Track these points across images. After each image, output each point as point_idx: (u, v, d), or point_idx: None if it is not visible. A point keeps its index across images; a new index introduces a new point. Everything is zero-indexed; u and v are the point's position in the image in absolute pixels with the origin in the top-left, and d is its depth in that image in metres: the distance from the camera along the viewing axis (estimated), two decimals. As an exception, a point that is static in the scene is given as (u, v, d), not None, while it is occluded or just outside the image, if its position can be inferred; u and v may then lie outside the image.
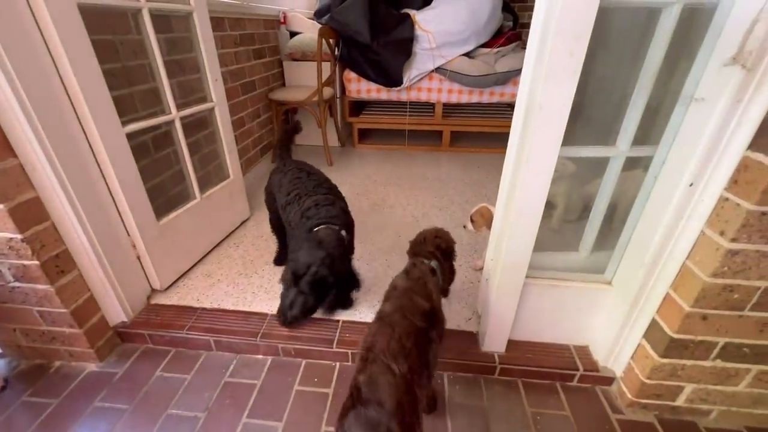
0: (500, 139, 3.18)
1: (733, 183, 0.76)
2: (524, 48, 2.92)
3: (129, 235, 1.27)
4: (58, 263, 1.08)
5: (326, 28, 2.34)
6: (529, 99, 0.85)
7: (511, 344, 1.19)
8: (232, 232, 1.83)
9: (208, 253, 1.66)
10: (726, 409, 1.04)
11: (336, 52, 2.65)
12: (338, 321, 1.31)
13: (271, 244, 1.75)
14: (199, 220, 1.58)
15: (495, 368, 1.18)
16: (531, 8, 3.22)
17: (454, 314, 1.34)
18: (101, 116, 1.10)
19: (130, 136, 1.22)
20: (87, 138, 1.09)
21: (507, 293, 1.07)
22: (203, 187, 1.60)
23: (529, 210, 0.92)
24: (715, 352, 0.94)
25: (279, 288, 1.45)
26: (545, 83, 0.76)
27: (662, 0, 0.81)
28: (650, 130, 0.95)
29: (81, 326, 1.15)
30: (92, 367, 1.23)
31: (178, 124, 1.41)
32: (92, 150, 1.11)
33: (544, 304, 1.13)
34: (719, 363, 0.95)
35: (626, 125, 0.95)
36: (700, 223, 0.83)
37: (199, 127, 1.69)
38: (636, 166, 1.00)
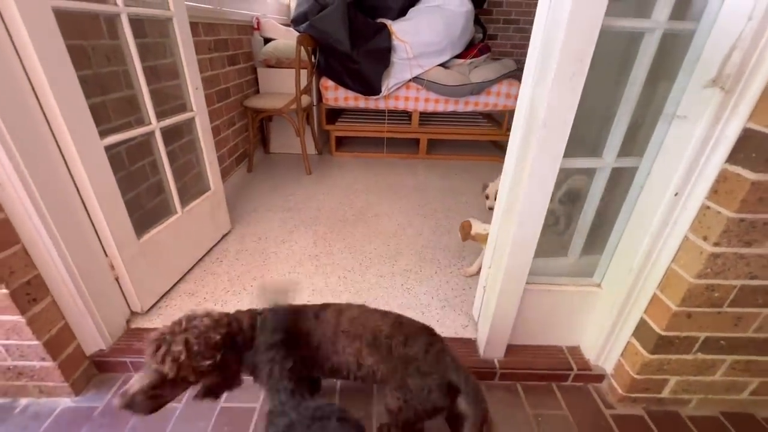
0: (475, 147, 3.30)
1: (714, 192, 0.84)
2: (495, 59, 3.07)
3: (107, 255, 1.17)
4: (30, 290, 0.97)
5: (305, 36, 2.32)
6: (530, 116, 0.89)
7: (509, 349, 1.23)
8: (214, 246, 1.75)
9: (189, 271, 1.57)
10: (704, 397, 1.14)
11: (314, 60, 2.62)
12: (337, 335, 1.28)
13: (257, 258, 1.69)
14: (181, 236, 1.49)
15: (495, 374, 1.21)
16: (496, 21, 3.39)
17: (451, 322, 1.36)
18: (78, 128, 1.01)
19: (108, 149, 1.13)
20: (61, 151, 1.00)
21: (508, 300, 1.10)
22: (184, 201, 1.52)
23: (530, 220, 0.96)
24: (697, 346, 1.02)
25: (271, 304, 1.40)
26: (548, 102, 0.80)
27: (644, 26, 0.88)
28: (634, 144, 1.02)
29: (55, 358, 1.05)
30: (67, 402, 1.11)
31: (158, 135, 1.33)
32: (67, 164, 1.02)
33: (540, 308, 1.18)
34: (700, 356, 1.04)
35: (612, 139, 1.02)
36: (684, 229, 0.91)
37: (176, 136, 1.61)
38: (620, 176, 1.08)
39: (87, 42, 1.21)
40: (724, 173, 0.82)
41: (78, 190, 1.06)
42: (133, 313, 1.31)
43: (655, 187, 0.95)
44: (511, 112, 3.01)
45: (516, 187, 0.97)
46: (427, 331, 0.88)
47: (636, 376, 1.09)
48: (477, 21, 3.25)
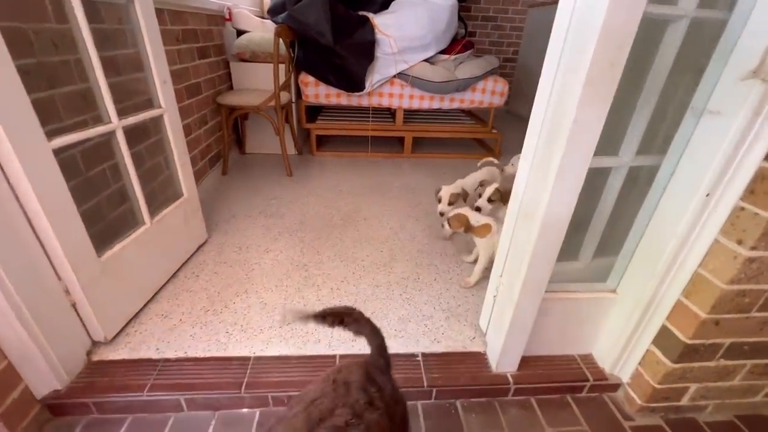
0: (459, 145, 3.24)
1: (750, 193, 0.79)
2: (478, 56, 3.01)
3: (60, 278, 0.99)
4: (-42, 329, 0.79)
5: (283, 28, 2.15)
6: (556, 112, 0.80)
7: (522, 361, 1.15)
8: (189, 259, 1.57)
9: (162, 288, 1.39)
10: (720, 402, 1.10)
11: (292, 54, 2.46)
12: (335, 356, 1.16)
13: (239, 270, 1.53)
14: (151, 250, 1.31)
15: (509, 390, 1.13)
16: (475, 17, 3.35)
17: (456, 334, 1.27)
18: (18, 127, 0.83)
19: (58, 152, 0.95)
20: (-4, 157, 0.82)
21: (525, 312, 1.02)
22: (153, 209, 1.34)
23: (555, 226, 0.87)
24: (721, 352, 0.98)
25: (258, 323, 1.26)
26: (582, 95, 0.72)
27: (670, 13, 0.82)
28: (654, 141, 0.96)
29: (-5, 408, 0.86)
30: (13, 457, 0.93)
31: (120, 135, 1.15)
32: (4, 172, 0.84)
33: (555, 317, 1.10)
34: (722, 362, 1.00)
35: (630, 135, 0.96)
36: (713, 231, 0.85)
37: (142, 136, 1.42)
38: (638, 176, 1.02)
39: (27, 25, 1.01)
40: (762, 172, 0.76)
41: (20, 203, 0.88)
42: (96, 344, 1.13)
43: (682, 188, 0.89)
44: (497, 110, 2.99)
45: (537, 191, 0.88)
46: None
47: (657, 386, 1.03)
48: (458, 17, 3.18)
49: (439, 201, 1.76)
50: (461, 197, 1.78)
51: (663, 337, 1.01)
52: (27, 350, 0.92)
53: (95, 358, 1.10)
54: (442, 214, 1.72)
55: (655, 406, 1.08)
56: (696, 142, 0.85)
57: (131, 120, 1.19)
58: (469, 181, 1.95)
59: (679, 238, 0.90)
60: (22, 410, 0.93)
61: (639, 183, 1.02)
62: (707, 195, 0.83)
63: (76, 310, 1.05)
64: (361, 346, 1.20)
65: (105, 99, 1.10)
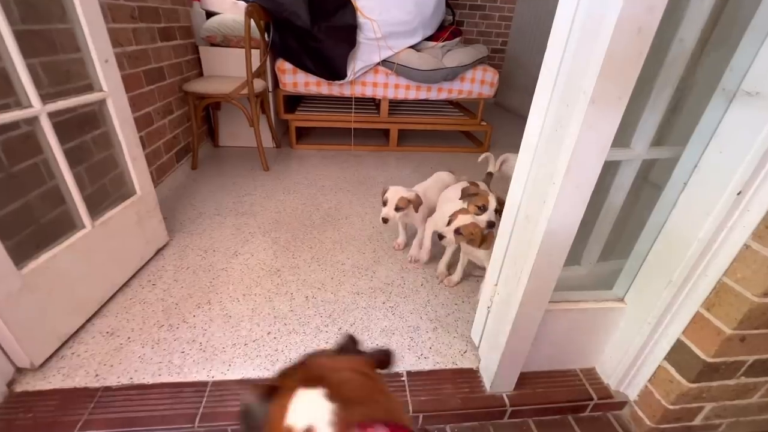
0: (446, 138, 3.10)
1: (791, 190, 0.66)
2: (467, 44, 2.86)
3: (-35, 297, 0.81)
4: None
5: (255, 7, 1.96)
6: (566, 92, 0.66)
7: (519, 379, 1.02)
8: (144, 266, 1.39)
9: (109, 301, 1.21)
10: (735, 420, 1.00)
11: (267, 38, 2.26)
12: (307, 379, 1.01)
13: (202, 278, 1.36)
14: (92, 257, 1.13)
15: (505, 412, 1.00)
16: (462, 6, 3.18)
17: (446, 348, 1.13)
18: None
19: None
20: None
21: (525, 326, 0.89)
22: (96, 211, 1.15)
23: (562, 228, 0.74)
24: (743, 370, 0.86)
25: (221, 341, 1.10)
26: (601, 70, 0.58)
27: (698, -24, 0.68)
28: (673, 130, 0.83)
29: None
30: None
31: (45, 123, 0.96)
32: None
33: (557, 330, 0.98)
34: (743, 380, 0.89)
35: (645, 123, 0.83)
36: (743, 235, 0.73)
37: (84, 126, 1.23)
38: (652, 170, 0.89)
39: None
40: (808, 166, 0.64)
41: None
42: (20, 371, 0.95)
43: (706, 184, 0.76)
44: (486, 101, 2.85)
45: (541, 189, 0.75)
46: None
47: (670, 407, 0.92)
48: (446, 3, 3.02)
49: (385, 204, 1.39)
50: (412, 205, 1.40)
51: (678, 353, 0.89)
52: None
53: (18, 388, 0.93)
54: (386, 220, 1.37)
55: (665, 427, 0.97)
56: (726, 130, 0.72)
57: (60, 105, 1.00)
58: (422, 188, 1.57)
59: (702, 242, 0.78)
60: None
61: (652, 178, 0.90)
62: (738, 193, 0.71)
63: (-9, 334, 0.87)
64: (337, 366, 1.05)
65: (22, 79, 0.91)
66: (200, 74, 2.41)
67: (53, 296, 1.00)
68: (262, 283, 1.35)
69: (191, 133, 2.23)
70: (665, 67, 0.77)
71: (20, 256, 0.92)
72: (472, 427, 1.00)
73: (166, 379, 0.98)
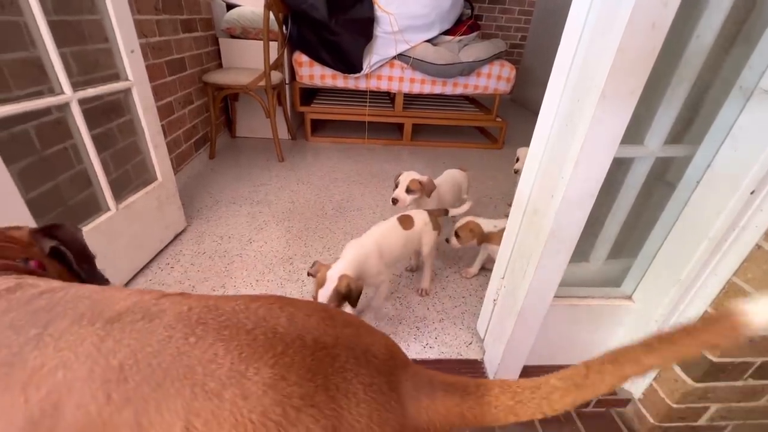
0: (460, 134, 3.09)
1: (806, 191, 0.66)
2: (484, 38, 2.84)
3: (1, 270, 0.87)
4: None
5: (274, 0, 1.98)
6: (577, 86, 0.66)
7: (523, 372, 1.03)
8: (163, 249, 1.45)
9: (130, 281, 1.27)
10: (741, 422, 0.99)
11: (285, 30, 2.29)
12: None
13: (218, 263, 1.41)
14: (116, 239, 1.19)
15: (508, 403, 1.01)
16: (481, 0, 3.13)
17: (452, 339, 1.16)
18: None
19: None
20: None
21: (529, 319, 0.90)
22: (120, 195, 1.21)
23: (569, 223, 0.75)
24: (750, 371, 0.86)
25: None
26: (613, 65, 0.58)
27: (719, -29, 0.67)
28: (687, 128, 0.83)
29: None
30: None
31: (76, 109, 1.02)
32: None
33: (563, 324, 0.99)
34: (750, 381, 0.88)
35: (659, 120, 0.82)
36: (756, 235, 0.72)
37: (110, 113, 1.28)
38: (665, 168, 0.89)
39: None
40: (824, 166, 0.63)
41: (-55, 183, 0.75)
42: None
43: (720, 182, 0.76)
44: (501, 97, 2.83)
45: (549, 183, 0.75)
46: None
47: (674, 406, 0.92)
48: (465, -4, 2.99)
49: (397, 186, 1.40)
50: (424, 193, 1.39)
51: (684, 352, 0.89)
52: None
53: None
54: (395, 201, 1.37)
55: (668, 426, 0.97)
56: (742, 129, 0.72)
57: (90, 92, 1.06)
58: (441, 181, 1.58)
59: (713, 241, 0.77)
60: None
61: (666, 177, 0.89)
62: (752, 192, 0.70)
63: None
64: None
65: (56, 67, 0.96)
66: (219, 65, 2.46)
67: (80, 274, 1.06)
68: (274, 270, 1.39)
69: (210, 123, 2.29)
70: (682, 63, 0.77)
71: (51, 234, 0.98)
72: (475, 416, 1.02)
73: (182, 356, 1.03)
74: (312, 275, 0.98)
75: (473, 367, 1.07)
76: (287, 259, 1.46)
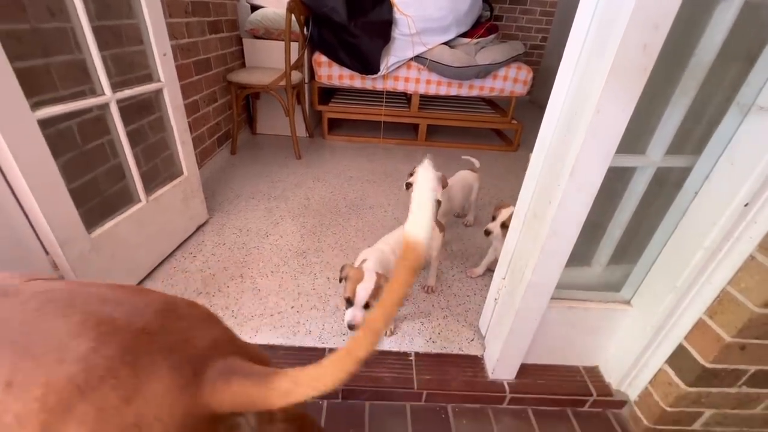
0: (476, 136, 3.11)
1: (798, 205, 0.68)
2: (503, 40, 2.84)
3: (48, 253, 0.97)
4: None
5: (296, 2, 2.06)
6: (575, 100, 0.70)
7: (521, 369, 1.08)
8: (187, 240, 1.55)
9: (157, 268, 1.37)
10: (738, 430, 1.01)
11: (306, 32, 2.37)
12: (324, 350, 1.12)
13: (237, 254, 1.50)
14: (146, 228, 1.29)
15: (504, 398, 1.06)
16: (502, 0, 3.11)
17: (455, 336, 1.21)
18: (-2, 96, 0.80)
19: (46, 124, 0.92)
20: (-23, 125, 0.79)
21: (526, 318, 0.94)
22: (150, 187, 1.31)
23: (565, 229, 0.79)
24: (744, 379, 0.88)
25: (250, 310, 1.23)
26: (606, 82, 0.62)
27: (722, -10, 0.70)
28: (688, 140, 0.85)
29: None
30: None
31: (114, 108, 1.11)
32: (-15, 142, 0.81)
33: (560, 325, 1.02)
34: (744, 389, 0.90)
35: (661, 131, 0.85)
36: (750, 246, 0.75)
37: (142, 111, 1.38)
38: (666, 177, 0.91)
39: (21, -11, 0.97)
40: (816, 182, 0.65)
41: (4, 176, 0.85)
42: (85, 320, 1.12)
43: (716, 194, 0.78)
44: (518, 99, 2.83)
45: (548, 189, 0.80)
46: None
47: (667, 409, 0.95)
48: (484, -2, 3.00)
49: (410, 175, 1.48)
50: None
51: (679, 358, 0.91)
52: (12, 324, 0.90)
53: (84, 334, 1.09)
54: (408, 185, 1.44)
55: (663, 428, 1.00)
56: (738, 143, 0.74)
57: (127, 93, 1.15)
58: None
59: (708, 251, 0.80)
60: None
61: (666, 186, 0.92)
62: (746, 204, 0.73)
63: (65, 286, 1.04)
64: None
65: (98, 70, 1.05)
66: (242, 65, 2.56)
67: (114, 259, 1.16)
68: (289, 263, 1.47)
69: (232, 120, 2.39)
70: (684, 77, 0.79)
71: (89, 222, 1.08)
72: (473, 409, 1.07)
73: (202, 338, 1.12)
74: (344, 279, 1.00)
75: (473, 363, 1.12)
76: (301, 253, 1.54)
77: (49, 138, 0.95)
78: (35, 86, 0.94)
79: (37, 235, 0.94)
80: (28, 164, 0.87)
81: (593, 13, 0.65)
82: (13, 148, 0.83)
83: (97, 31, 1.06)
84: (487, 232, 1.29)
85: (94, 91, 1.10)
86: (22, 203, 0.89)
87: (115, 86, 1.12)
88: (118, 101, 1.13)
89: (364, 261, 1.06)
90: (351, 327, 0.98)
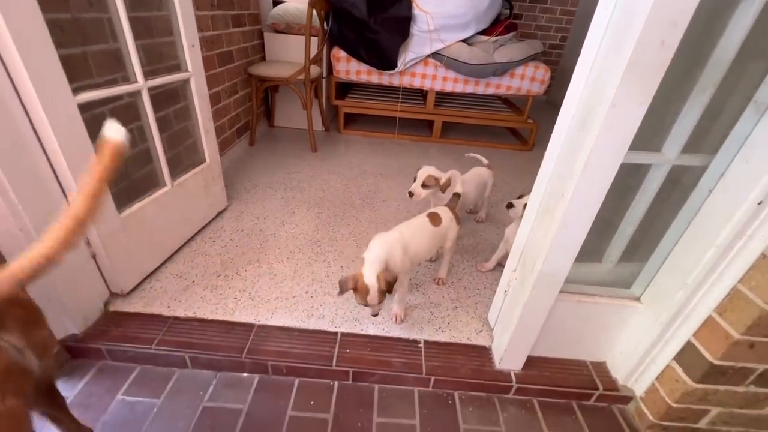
0: (491, 134, 3.10)
1: (812, 204, 0.68)
2: (522, 39, 2.83)
3: (82, 230, 1.03)
4: (-15, 267, 0.83)
5: (318, -2, 2.10)
6: (592, 94, 0.72)
7: (528, 361, 1.10)
8: (207, 224, 1.61)
9: (178, 250, 1.43)
10: (744, 430, 1.01)
11: (326, 27, 2.41)
12: (336, 333, 1.16)
13: (254, 240, 1.55)
14: (169, 212, 1.35)
15: (511, 388, 1.08)
16: None
17: (463, 325, 1.23)
18: (44, 80, 0.85)
19: (83, 108, 0.98)
20: (24, 107, 0.84)
21: (535, 310, 0.96)
22: (175, 173, 1.37)
23: (576, 222, 0.81)
24: (752, 378, 0.88)
25: (266, 293, 1.27)
26: (623, 77, 0.64)
27: (743, -10, 0.70)
28: (703, 139, 0.86)
29: (17, 344, 0.92)
30: (33, 390, 1.00)
31: (145, 96, 1.17)
32: (32, 123, 0.87)
33: (568, 319, 1.04)
34: (752, 388, 0.91)
35: (677, 130, 0.86)
36: (761, 245, 0.75)
37: (169, 100, 1.44)
38: (680, 176, 0.92)
39: (63, -20, 1.03)
40: (831, 181, 0.66)
41: (46, 154, 0.91)
42: (113, 295, 1.19)
43: (730, 192, 0.79)
44: (535, 99, 2.82)
45: (561, 183, 0.81)
46: None
47: (673, 405, 0.96)
48: (504, -5, 2.99)
49: (414, 180, 1.48)
50: (439, 188, 1.48)
51: (687, 355, 0.92)
52: (50, 293, 0.97)
53: (111, 308, 1.16)
54: (411, 194, 1.45)
55: (668, 424, 1.01)
56: (755, 142, 0.75)
57: (157, 81, 1.21)
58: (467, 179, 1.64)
59: (719, 248, 0.81)
60: (42, 349, 0.99)
61: (681, 184, 0.92)
62: (759, 203, 0.74)
63: (96, 262, 1.10)
64: (363, 326, 1.19)
65: (132, 59, 1.11)
66: (263, 58, 2.62)
67: (140, 239, 1.22)
68: (303, 250, 1.52)
69: (251, 112, 2.45)
70: (703, 75, 0.80)
71: (119, 203, 1.14)
72: (479, 397, 1.10)
73: (221, 317, 1.17)
74: (347, 290, 1.01)
75: (481, 353, 1.14)
76: (315, 241, 1.58)
77: (86, 122, 1.00)
78: (74, 73, 1.00)
79: (73, 212, 1.00)
80: (68, 145, 0.93)
81: (613, 8, 0.66)
82: (56, 130, 0.89)
83: (131, 22, 1.11)
84: (510, 205, 1.30)
85: (126, 79, 1.16)
86: (61, 182, 0.95)
87: (147, 75, 1.18)
88: (149, 89, 1.18)
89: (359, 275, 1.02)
90: (376, 315, 1.09)
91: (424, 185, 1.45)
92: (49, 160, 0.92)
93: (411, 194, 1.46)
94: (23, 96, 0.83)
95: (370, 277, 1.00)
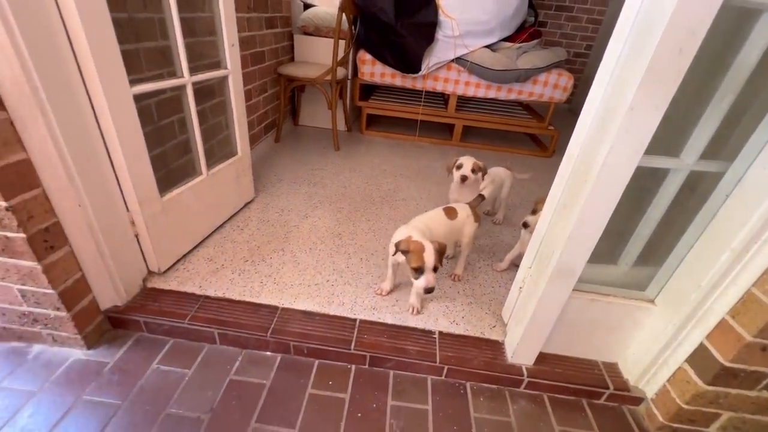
0: (511, 139, 3.13)
1: (827, 210, 0.70)
2: (546, 47, 2.85)
3: (128, 210, 1.13)
4: (48, 238, 0.93)
5: (348, 1, 2.18)
6: (612, 97, 0.76)
7: (540, 357, 1.13)
8: (235, 214, 1.70)
9: (209, 236, 1.52)
10: (757, 437, 1.02)
11: (354, 30, 2.49)
12: (355, 320, 1.22)
13: (279, 230, 1.63)
14: (204, 199, 1.44)
15: (522, 382, 1.12)
16: (548, 6, 3.11)
17: (477, 321, 1.27)
18: (108, 71, 0.95)
19: (136, 99, 1.07)
20: (89, 95, 0.94)
21: (548, 306, 1.00)
22: (210, 163, 1.46)
23: (592, 221, 0.84)
24: (764, 383, 0.90)
25: (290, 279, 1.35)
26: (642, 82, 0.68)
27: (763, 1, 0.73)
28: (722, 145, 0.88)
29: (69, 309, 1.02)
30: (78, 354, 1.09)
31: (189, 90, 1.27)
32: (94, 109, 0.96)
33: (582, 318, 1.07)
34: (765, 394, 0.92)
35: (697, 135, 0.88)
36: (777, 249, 0.77)
37: (208, 95, 1.54)
38: (698, 181, 0.94)
39: (123, -18, 1.13)
40: None
41: (103, 138, 1.01)
42: (150, 273, 1.28)
43: (747, 198, 0.81)
44: (557, 106, 2.83)
45: (580, 181, 0.85)
46: None
47: (684, 406, 0.97)
48: (529, 4, 3.01)
49: (459, 168, 1.55)
50: (483, 174, 1.59)
51: (698, 357, 0.94)
52: (97, 267, 1.06)
53: (149, 284, 1.25)
54: (464, 178, 1.53)
55: (678, 426, 1.02)
56: (772, 149, 0.77)
57: (200, 77, 1.30)
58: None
59: (734, 252, 0.83)
60: (88, 316, 1.09)
61: (698, 189, 0.94)
62: (775, 207, 0.76)
63: (138, 241, 1.20)
64: (380, 315, 1.25)
65: (180, 55, 1.20)
66: (291, 59, 2.73)
67: (177, 223, 1.31)
68: (325, 242, 1.58)
69: (278, 110, 2.56)
70: (723, 83, 0.83)
71: (161, 187, 1.24)
72: (491, 389, 1.14)
73: (248, 298, 1.25)
74: (404, 251, 1.10)
75: (494, 347, 1.18)
76: (337, 234, 1.65)
77: (138, 111, 1.10)
78: (129, 66, 1.10)
79: (121, 191, 1.09)
80: (124, 132, 1.02)
81: (635, 16, 0.70)
82: (115, 118, 0.98)
83: (181, 22, 1.21)
84: (525, 224, 1.32)
85: (173, 74, 1.25)
86: (114, 163, 1.05)
87: (191, 71, 1.27)
88: (193, 84, 1.27)
89: (410, 237, 1.12)
90: (429, 291, 1.11)
91: (473, 170, 1.54)
92: (105, 142, 1.01)
93: (464, 178, 1.54)
94: (88, 85, 0.93)
95: (423, 240, 1.10)
